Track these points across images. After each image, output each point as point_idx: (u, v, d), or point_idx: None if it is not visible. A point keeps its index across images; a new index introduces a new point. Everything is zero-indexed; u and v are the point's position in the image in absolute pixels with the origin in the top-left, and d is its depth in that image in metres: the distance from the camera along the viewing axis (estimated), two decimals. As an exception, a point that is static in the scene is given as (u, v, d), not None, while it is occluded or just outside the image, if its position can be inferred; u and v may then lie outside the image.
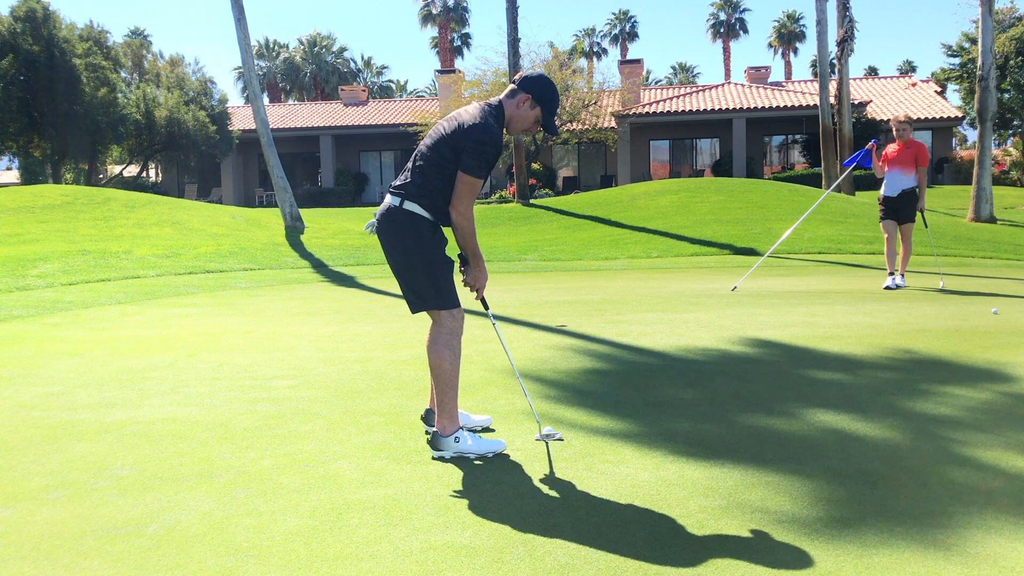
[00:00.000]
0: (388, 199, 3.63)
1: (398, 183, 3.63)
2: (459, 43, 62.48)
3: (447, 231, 3.71)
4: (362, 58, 79.96)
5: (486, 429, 4.00)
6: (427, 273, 3.57)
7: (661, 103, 35.83)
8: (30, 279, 10.15)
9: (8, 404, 4.56)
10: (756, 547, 2.72)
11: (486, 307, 3.96)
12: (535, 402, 4.45)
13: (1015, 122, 38.40)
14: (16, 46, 29.91)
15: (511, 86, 3.65)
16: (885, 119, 33.57)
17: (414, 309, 3.68)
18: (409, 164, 3.66)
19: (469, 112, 3.57)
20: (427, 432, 3.86)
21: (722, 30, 67.22)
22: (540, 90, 3.59)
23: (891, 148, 8.94)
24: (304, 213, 20.81)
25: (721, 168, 34.76)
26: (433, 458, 3.62)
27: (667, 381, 4.88)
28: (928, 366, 5.21)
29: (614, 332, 6.38)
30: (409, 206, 3.55)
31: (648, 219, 18.11)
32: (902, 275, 8.97)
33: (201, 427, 4.10)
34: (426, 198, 3.54)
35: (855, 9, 64.13)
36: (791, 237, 14.72)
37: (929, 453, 3.59)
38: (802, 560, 2.62)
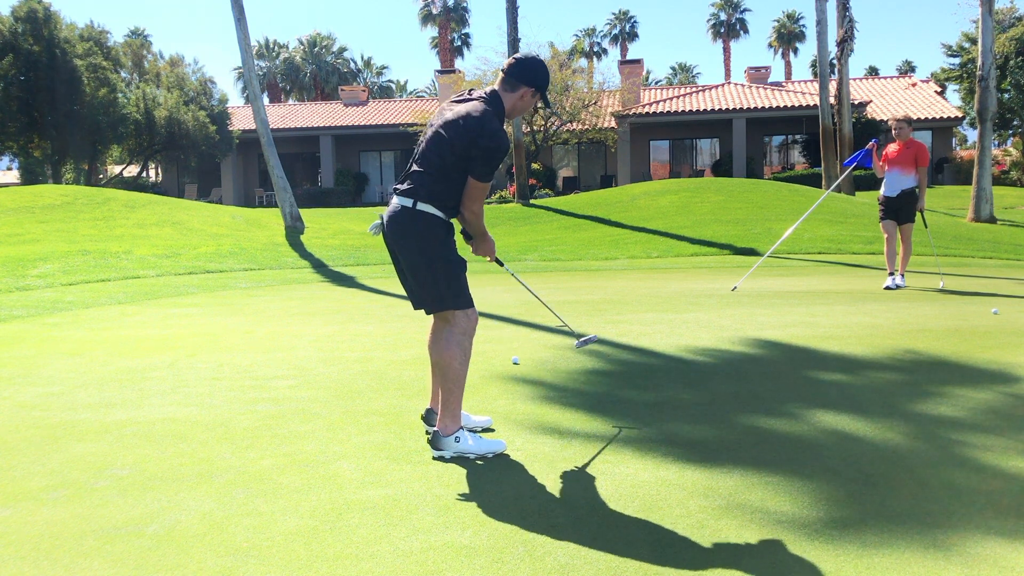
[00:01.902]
0: (397, 200, 3.63)
1: (406, 186, 3.63)
2: (459, 43, 62.49)
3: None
4: (362, 58, 79.96)
5: (486, 430, 3.99)
6: (446, 273, 3.59)
7: (661, 103, 35.82)
8: (30, 279, 10.15)
9: (8, 404, 4.56)
10: (756, 547, 2.72)
11: (501, 263, 4.14)
12: (533, 404, 4.45)
13: (1015, 122, 38.41)
14: (17, 46, 29.91)
15: (504, 75, 3.63)
16: (885, 119, 33.56)
17: (431, 309, 3.69)
18: (413, 166, 3.66)
19: (472, 115, 3.53)
20: (427, 432, 3.86)
21: (722, 30, 67.23)
22: (538, 79, 3.62)
23: (891, 148, 8.94)
24: (304, 213, 20.81)
25: (721, 168, 34.75)
26: (433, 458, 3.62)
27: (667, 381, 4.88)
28: (928, 366, 5.21)
29: (614, 332, 6.38)
30: (423, 207, 3.55)
31: (648, 219, 18.11)
32: (902, 275, 8.97)
33: (201, 427, 4.10)
34: (437, 199, 3.57)
35: (855, 9, 64.15)
36: (791, 237, 14.71)
37: (929, 454, 3.59)
38: (802, 560, 2.62)
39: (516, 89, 3.60)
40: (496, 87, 3.64)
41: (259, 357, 5.71)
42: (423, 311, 3.73)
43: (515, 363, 5.35)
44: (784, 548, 2.70)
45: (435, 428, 3.68)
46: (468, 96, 3.68)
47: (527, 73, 3.59)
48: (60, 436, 3.97)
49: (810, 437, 3.83)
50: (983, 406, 4.28)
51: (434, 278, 3.60)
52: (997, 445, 3.67)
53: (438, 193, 3.56)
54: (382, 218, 3.69)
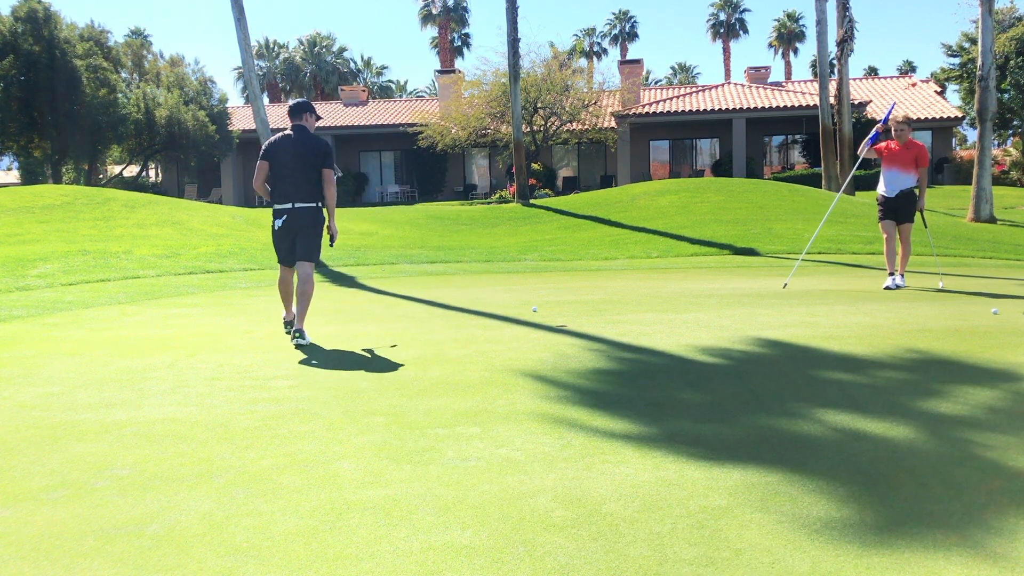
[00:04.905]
0: (302, 205, 6.14)
1: (304, 194, 6.15)
2: (459, 43, 62.49)
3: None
4: (362, 58, 79.92)
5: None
6: (320, 241, 6.28)
7: (661, 103, 35.82)
8: (30, 279, 10.15)
9: (8, 404, 4.56)
10: (756, 547, 2.72)
11: (332, 244, 6.49)
12: (533, 404, 4.46)
13: (1015, 122, 38.40)
14: (17, 46, 29.90)
15: (305, 115, 6.30)
16: (885, 119, 33.47)
17: (313, 260, 6.25)
18: (296, 181, 6.13)
19: (312, 137, 6.24)
20: (290, 331, 6.30)
21: (722, 30, 67.22)
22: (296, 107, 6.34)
23: (891, 145, 8.92)
24: (304, 213, 20.78)
25: (721, 168, 34.75)
26: (297, 344, 5.96)
27: (667, 381, 4.88)
28: (928, 366, 5.21)
29: (614, 332, 6.38)
30: (316, 206, 6.23)
31: (648, 219, 18.11)
32: (902, 275, 8.97)
33: (201, 427, 4.10)
34: (321, 199, 6.24)
35: (855, 9, 64.10)
36: (795, 237, 14.73)
37: (929, 453, 3.59)
38: (802, 560, 2.62)
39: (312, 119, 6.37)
40: (301, 124, 6.24)
41: (259, 357, 5.72)
42: (302, 259, 6.22)
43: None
44: (784, 548, 2.71)
45: (300, 328, 6.05)
46: (291, 133, 6.21)
47: (305, 106, 6.31)
48: (60, 436, 3.97)
49: (810, 437, 3.83)
50: (983, 405, 4.28)
51: (318, 243, 6.25)
52: (997, 444, 3.68)
53: (320, 195, 6.21)
54: (286, 216, 6.14)
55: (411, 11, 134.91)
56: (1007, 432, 3.85)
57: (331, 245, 6.48)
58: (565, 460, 3.56)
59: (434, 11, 60.68)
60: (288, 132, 6.24)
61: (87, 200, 18.58)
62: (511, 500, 3.14)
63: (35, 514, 3.06)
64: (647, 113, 34.86)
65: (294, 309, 6.37)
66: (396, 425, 4.09)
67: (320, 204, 6.22)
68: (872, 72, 63.06)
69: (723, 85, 39.31)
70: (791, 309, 7.40)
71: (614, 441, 3.81)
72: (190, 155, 35.27)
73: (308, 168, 6.12)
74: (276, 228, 6.24)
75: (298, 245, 6.22)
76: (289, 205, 6.14)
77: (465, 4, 61.47)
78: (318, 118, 6.51)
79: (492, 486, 3.28)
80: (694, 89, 39.85)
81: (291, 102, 6.27)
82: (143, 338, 6.52)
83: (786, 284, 9.22)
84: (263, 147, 6.26)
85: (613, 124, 35.01)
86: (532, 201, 24.44)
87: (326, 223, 6.36)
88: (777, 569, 2.56)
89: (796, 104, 34.00)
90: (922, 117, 34.84)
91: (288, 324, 6.50)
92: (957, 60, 40.34)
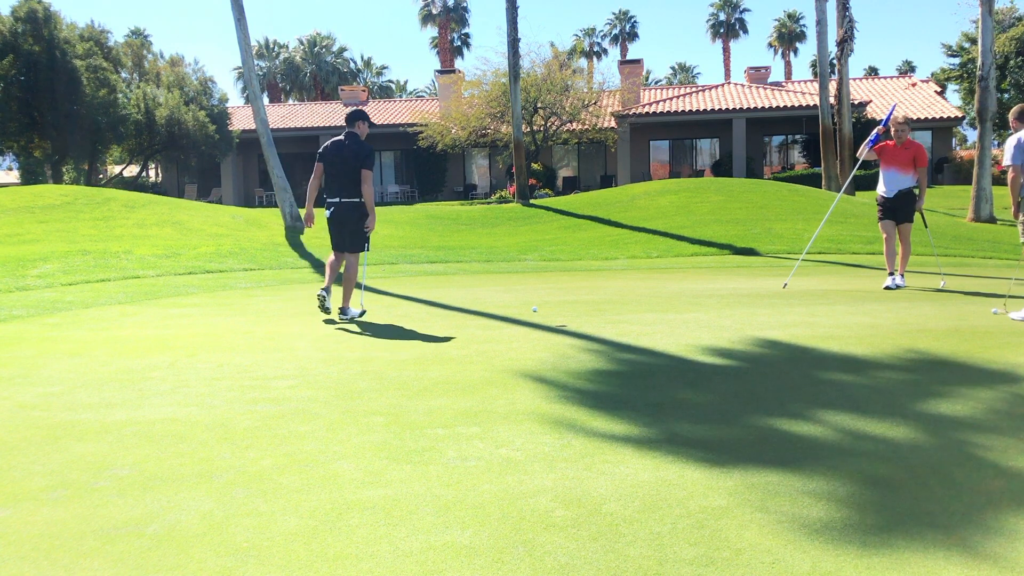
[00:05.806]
0: (347, 200, 7.21)
1: (348, 191, 7.20)
2: (459, 43, 62.49)
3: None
4: (362, 58, 79.97)
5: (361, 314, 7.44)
6: (364, 232, 7.33)
7: (661, 103, 35.81)
8: (30, 279, 10.14)
9: (8, 404, 4.56)
10: (756, 547, 2.72)
11: (367, 245, 7.46)
12: (532, 404, 4.46)
13: (1015, 122, 38.34)
14: (17, 46, 29.88)
15: (357, 123, 7.35)
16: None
17: (360, 250, 7.42)
18: (343, 180, 7.19)
19: (358, 142, 7.24)
20: (322, 303, 7.23)
21: (722, 30, 67.22)
22: (356, 115, 7.40)
23: (889, 145, 8.93)
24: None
25: (721, 168, 34.74)
26: (340, 319, 7.16)
27: (667, 381, 4.88)
28: (928, 366, 5.21)
29: (614, 332, 6.38)
30: (359, 201, 7.23)
31: (648, 219, 18.11)
32: (902, 275, 8.97)
33: (201, 427, 4.10)
34: (360, 196, 7.21)
35: (855, 9, 64.06)
36: (796, 237, 14.73)
37: (929, 453, 3.59)
38: (802, 560, 2.62)
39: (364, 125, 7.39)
40: (353, 131, 7.29)
41: (259, 357, 5.72)
42: (349, 251, 7.39)
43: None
44: (784, 548, 2.71)
45: (343, 307, 7.30)
46: (342, 138, 7.25)
47: (358, 115, 7.37)
48: (60, 436, 3.98)
49: (810, 437, 3.84)
50: (983, 405, 4.28)
51: (363, 235, 7.33)
52: (997, 444, 3.68)
53: (359, 192, 7.19)
54: (334, 207, 7.25)
55: (411, 11, 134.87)
56: (1007, 432, 3.85)
57: (367, 237, 7.35)
58: (565, 460, 3.56)
59: (434, 11, 60.67)
60: (340, 137, 7.30)
61: (87, 200, 18.58)
62: (511, 500, 3.14)
63: (35, 514, 3.06)
64: (647, 113, 34.85)
65: (336, 288, 7.60)
66: (396, 425, 4.09)
67: (362, 200, 7.21)
68: (872, 72, 63.11)
69: (723, 85, 39.30)
70: (791, 309, 7.40)
71: (614, 441, 3.81)
72: (190, 155, 35.24)
73: (351, 170, 7.15)
74: (328, 216, 7.36)
75: (346, 238, 7.36)
76: (337, 199, 7.26)
77: (465, 4, 61.48)
78: (372, 125, 7.50)
79: (492, 486, 3.28)
80: (694, 89, 39.84)
81: (348, 110, 7.43)
82: (143, 338, 6.52)
83: (786, 284, 9.22)
84: (319, 150, 7.39)
85: (613, 124, 35.00)
86: (532, 201, 24.43)
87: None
88: (777, 569, 2.57)
89: (796, 104, 33.99)
90: (922, 117, 34.83)
91: (324, 291, 7.24)
92: (957, 60, 40.35)
